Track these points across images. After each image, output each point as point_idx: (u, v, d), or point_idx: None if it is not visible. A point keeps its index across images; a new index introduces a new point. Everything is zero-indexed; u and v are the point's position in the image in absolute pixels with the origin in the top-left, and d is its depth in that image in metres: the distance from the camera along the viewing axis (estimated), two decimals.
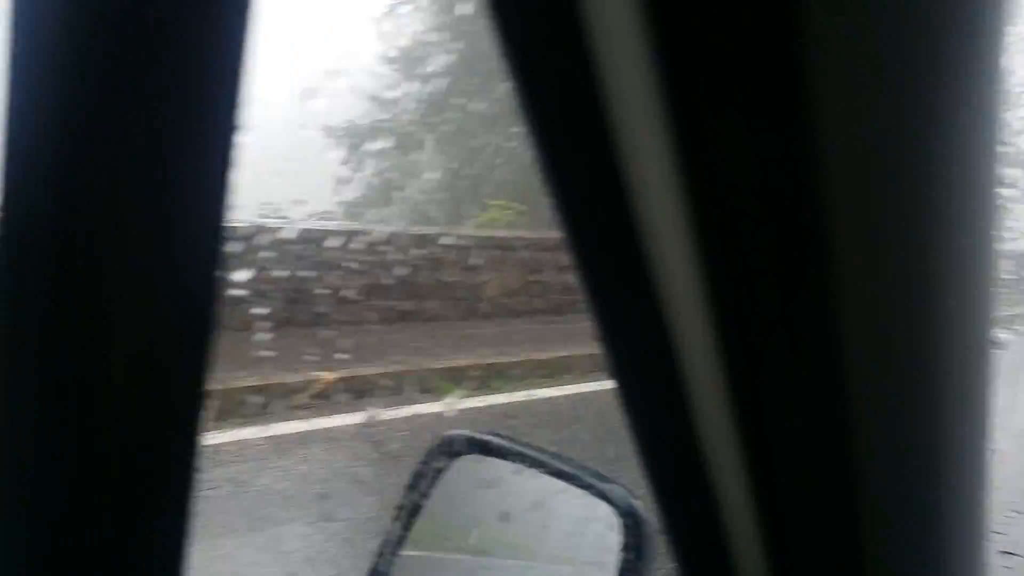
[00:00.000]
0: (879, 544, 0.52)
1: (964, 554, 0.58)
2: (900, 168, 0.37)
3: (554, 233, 0.42)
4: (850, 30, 0.32)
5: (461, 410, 5.44)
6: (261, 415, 4.80)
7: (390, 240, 7.68)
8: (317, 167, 12.71)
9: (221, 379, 4.77)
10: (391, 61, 13.23)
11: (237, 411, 4.67)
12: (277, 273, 6.45)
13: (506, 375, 6.26)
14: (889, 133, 0.37)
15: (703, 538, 0.52)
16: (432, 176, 12.75)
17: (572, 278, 0.42)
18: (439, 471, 0.96)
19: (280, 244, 6.54)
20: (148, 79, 0.37)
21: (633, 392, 0.47)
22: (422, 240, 7.94)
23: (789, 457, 0.47)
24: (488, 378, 6.19)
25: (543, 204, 0.44)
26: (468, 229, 9.88)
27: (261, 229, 6.49)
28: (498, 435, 0.99)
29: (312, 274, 6.91)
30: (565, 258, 0.42)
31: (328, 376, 5.36)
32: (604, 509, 0.82)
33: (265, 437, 4.49)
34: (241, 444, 4.29)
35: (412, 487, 0.94)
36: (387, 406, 5.19)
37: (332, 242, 7.09)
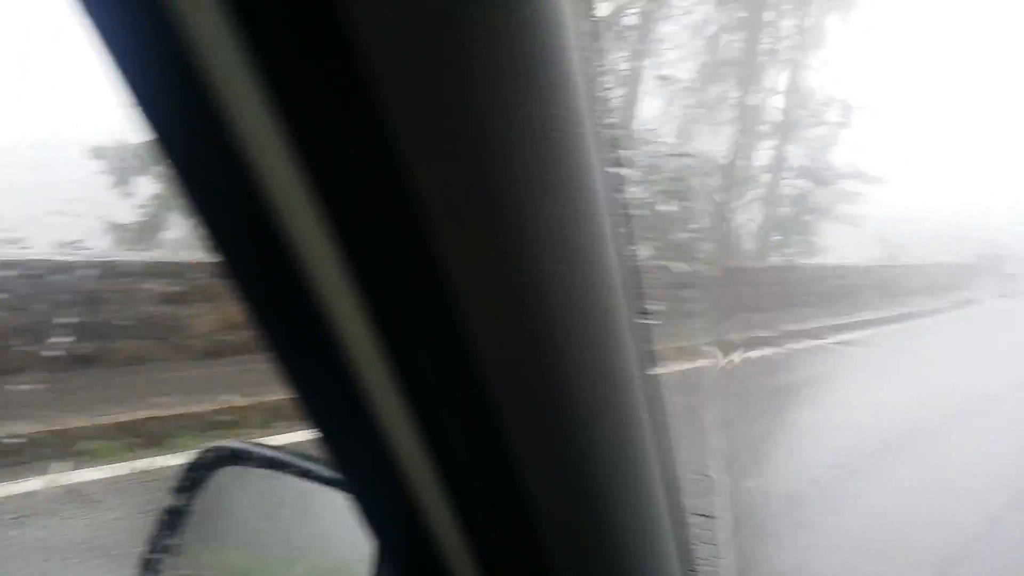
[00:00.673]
0: (554, 521, 0.58)
1: (645, 539, 0.64)
2: (490, 171, 0.44)
3: None
4: (412, 40, 0.39)
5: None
6: None
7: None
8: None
9: None
10: None
11: None
12: None
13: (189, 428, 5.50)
14: (470, 145, 0.43)
15: (406, 533, 0.56)
16: None
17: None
18: (199, 482, 0.97)
19: None
20: None
21: (316, 407, 0.51)
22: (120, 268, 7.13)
23: (463, 453, 0.52)
24: (167, 432, 5.36)
25: None
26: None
27: None
28: (259, 444, 1.03)
29: None
30: None
31: None
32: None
33: None
34: None
35: (174, 498, 0.94)
36: None
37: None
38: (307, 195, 0.40)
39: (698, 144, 23.87)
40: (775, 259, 20.07)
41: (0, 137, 15.22)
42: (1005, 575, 4.40)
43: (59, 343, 5.83)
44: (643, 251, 16.87)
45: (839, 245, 23.30)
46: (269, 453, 0.99)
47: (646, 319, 0.62)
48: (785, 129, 21.38)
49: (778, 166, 22.01)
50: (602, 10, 22.67)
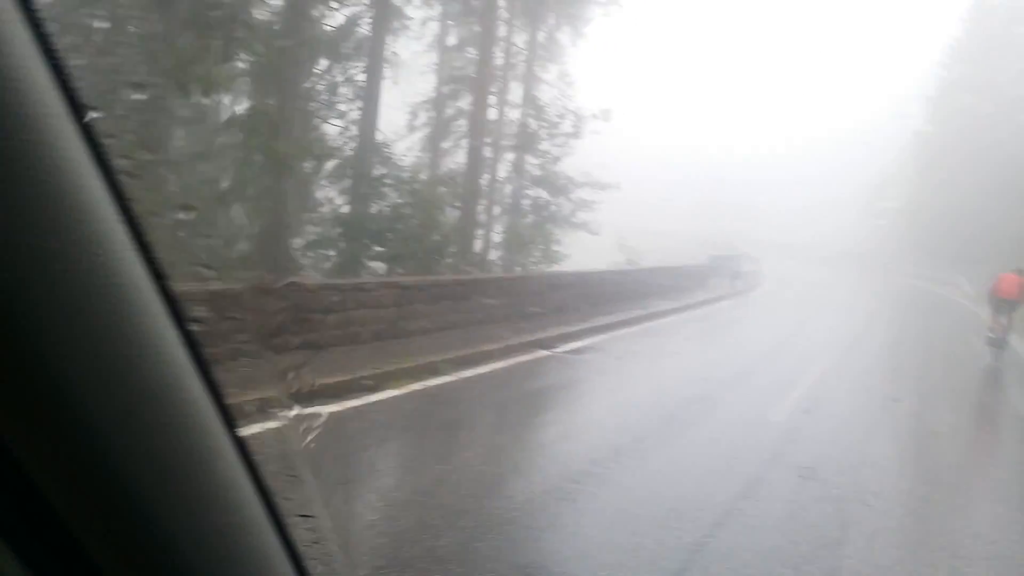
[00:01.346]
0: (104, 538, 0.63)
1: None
2: None
3: None
4: None
5: None
6: None
7: None
8: None
9: None
10: None
11: None
12: None
13: None
14: None
15: None
16: None
17: None
18: None
19: None
20: None
21: None
22: None
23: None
24: None
25: None
26: None
27: None
28: None
29: None
30: None
31: None
32: None
33: None
34: None
35: None
36: None
37: None
38: None
39: (437, 157, 23.61)
40: (517, 269, 20.12)
41: None
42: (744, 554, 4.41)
43: None
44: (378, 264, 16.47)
45: (580, 252, 23.84)
46: None
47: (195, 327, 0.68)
48: (523, 141, 21.55)
49: (517, 177, 22.17)
50: (334, 21, 21.89)
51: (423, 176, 20.31)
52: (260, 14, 16.25)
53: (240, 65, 16.69)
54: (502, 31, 26.53)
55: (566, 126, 20.86)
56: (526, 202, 21.53)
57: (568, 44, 27.52)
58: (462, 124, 24.63)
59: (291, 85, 16.79)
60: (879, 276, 39.98)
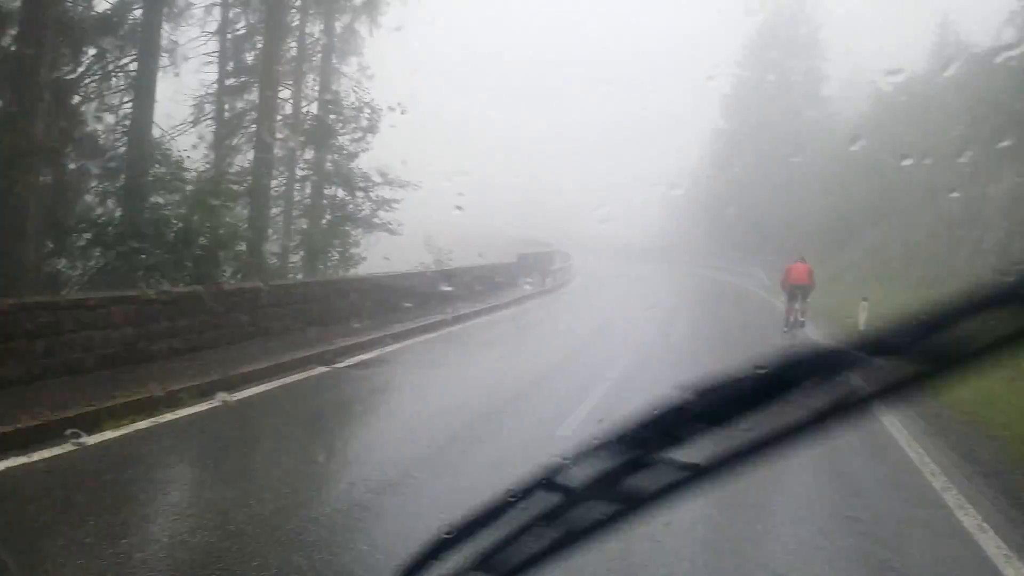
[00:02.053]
0: None
1: None
2: None
3: None
4: None
5: None
6: None
7: None
8: None
9: None
10: None
11: None
12: None
13: None
14: None
15: None
16: None
17: None
18: None
19: None
20: None
21: None
22: None
23: None
24: None
25: None
26: None
27: None
28: None
29: None
30: None
31: None
32: None
33: None
34: None
35: None
36: None
37: None
38: None
39: (224, 154, 21.60)
40: (319, 273, 18.65)
41: None
42: None
43: None
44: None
45: (384, 253, 22.63)
46: None
47: None
48: (319, 137, 20.06)
49: (314, 176, 20.66)
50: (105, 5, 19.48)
51: (206, 175, 18.37)
52: None
53: None
54: (296, 20, 24.93)
55: (363, 120, 19.60)
56: (323, 202, 20.08)
57: (366, 35, 26.18)
58: (255, 118, 22.78)
59: (33, 74, 14.49)
60: (683, 269, 41.41)
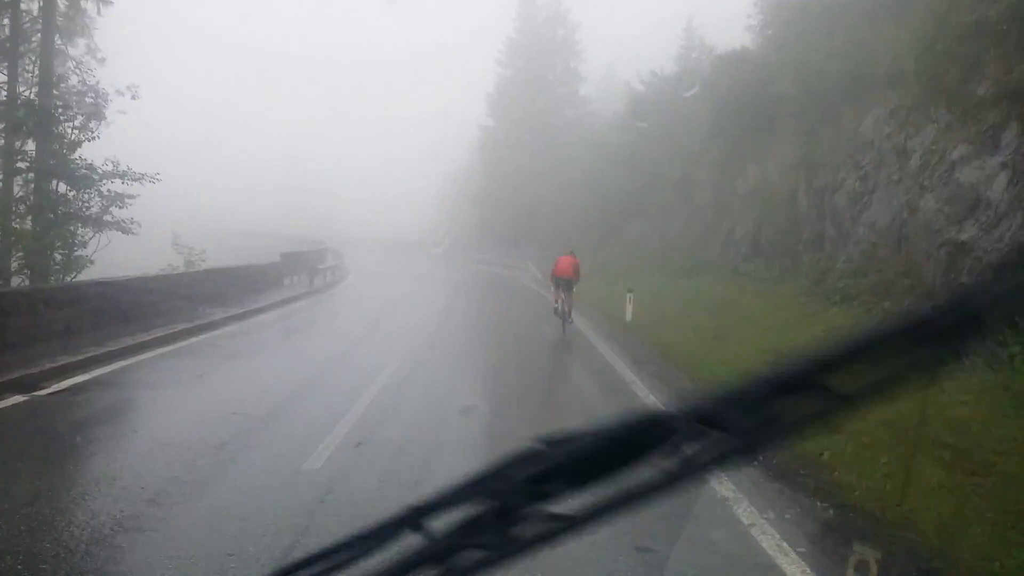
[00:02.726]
0: None
1: None
2: None
3: None
4: None
5: None
6: None
7: None
8: None
9: None
10: None
11: None
12: None
13: None
14: None
15: None
16: None
17: None
18: None
19: None
20: None
21: None
22: None
23: None
24: None
25: None
26: None
27: None
28: None
29: None
30: None
31: None
32: None
33: None
34: None
35: None
36: None
37: None
38: None
39: None
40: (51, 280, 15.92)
41: None
42: None
43: None
44: None
45: (128, 256, 20.08)
46: None
47: None
48: (37, 125, 17.18)
49: (31, 169, 17.71)
50: None
51: None
52: None
53: None
54: None
55: (87, 105, 17.02)
56: (36, 199, 17.26)
57: (95, 14, 23.10)
58: None
59: None
60: (458, 265, 41.17)
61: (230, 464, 6.08)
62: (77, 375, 9.31)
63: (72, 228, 16.97)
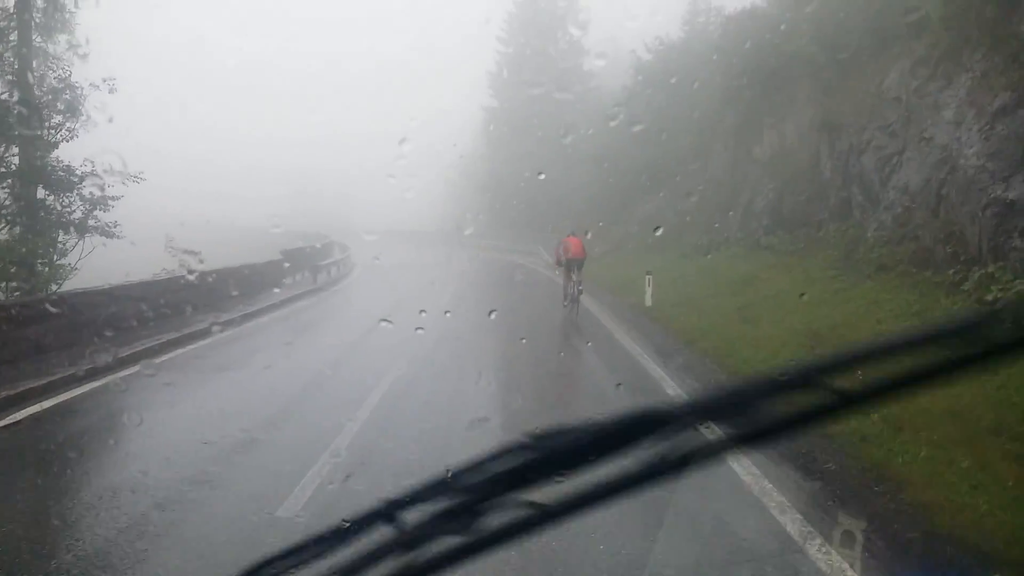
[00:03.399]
0: None
1: None
2: None
3: None
4: None
5: None
6: None
7: None
8: None
9: None
10: None
11: None
12: None
13: None
14: None
15: None
16: None
17: None
18: None
19: None
20: None
21: None
22: None
23: None
24: None
25: None
26: None
27: None
28: None
29: None
30: None
31: None
32: None
33: None
34: None
35: None
36: None
37: None
38: None
39: None
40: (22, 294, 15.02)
41: None
42: None
43: None
44: None
45: (118, 262, 19.14)
46: None
47: None
48: (12, 125, 16.23)
49: (12, 174, 16.78)
50: None
51: None
52: None
53: None
54: None
55: (63, 102, 16.05)
56: (21, 204, 16.33)
57: (73, 8, 22.06)
58: None
59: None
60: (466, 252, 40.09)
61: (189, 514, 5.08)
62: (36, 403, 8.34)
63: (54, 235, 16.04)
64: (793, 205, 20.88)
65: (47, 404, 8.33)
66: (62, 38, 23.53)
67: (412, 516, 0.84)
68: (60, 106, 15.92)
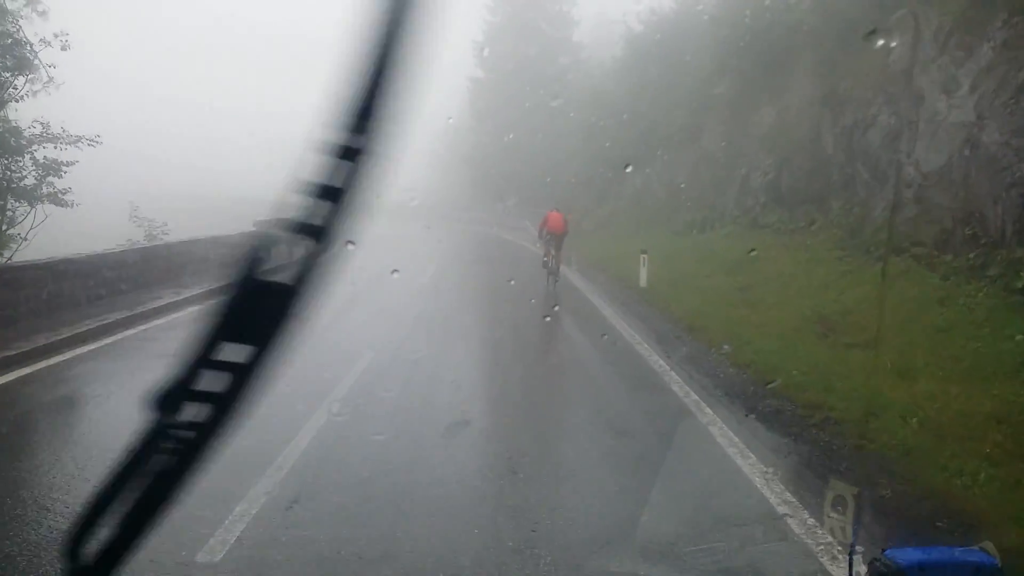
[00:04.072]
0: None
1: None
2: None
3: None
4: None
5: None
6: None
7: None
8: None
9: None
10: None
11: None
12: None
13: None
14: None
15: None
16: None
17: None
18: None
19: None
20: None
21: None
22: None
23: None
24: None
25: None
26: None
27: None
28: None
29: None
30: None
31: None
32: None
33: None
34: None
35: None
36: None
37: None
38: None
39: None
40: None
41: None
42: None
43: None
44: None
45: (75, 232, 17.97)
46: None
47: None
48: None
49: None
50: None
51: None
52: None
53: None
54: None
55: (11, 60, 14.71)
56: None
57: None
58: None
59: None
60: (450, 226, 38.91)
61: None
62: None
63: (1, 202, 14.78)
64: (793, 182, 19.90)
65: None
66: None
67: None
68: (8, 62, 14.57)
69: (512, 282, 16.12)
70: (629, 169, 30.12)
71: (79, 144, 14.84)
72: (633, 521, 4.27)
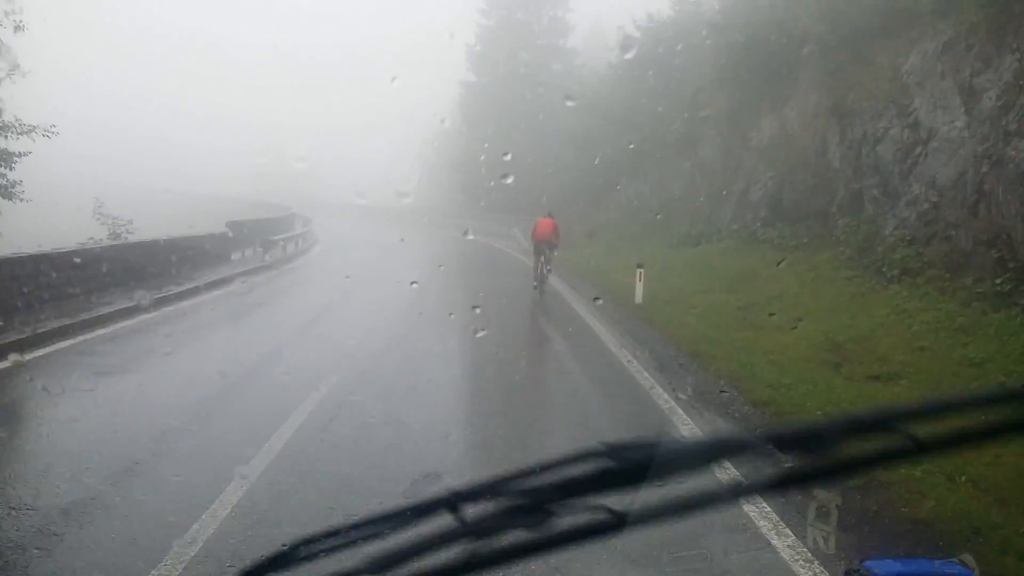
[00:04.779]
0: None
1: None
2: None
3: None
4: None
5: None
6: None
7: None
8: None
9: None
10: None
11: None
12: None
13: None
14: None
15: None
16: None
17: None
18: None
19: None
20: None
21: None
22: None
23: None
24: None
25: None
26: None
27: None
28: None
29: None
30: None
31: None
32: None
33: None
34: None
35: None
36: None
37: None
38: None
39: None
40: None
41: None
42: None
43: None
44: None
45: (37, 233, 16.78)
46: None
47: None
48: None
49: None
50: None
51: None
52: None
53: None
54: None
55: None
56: None
57: None
58: None
59: None
60: (437, 233, 37.81)
61: None
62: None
63: None
64: (795, 196, 18.98)
65: None
66: None
67: (478, 509, 0.80)
68: None
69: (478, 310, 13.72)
70: (620, 188, 29.34)
71: (32, 135, 13.71)
72: None
